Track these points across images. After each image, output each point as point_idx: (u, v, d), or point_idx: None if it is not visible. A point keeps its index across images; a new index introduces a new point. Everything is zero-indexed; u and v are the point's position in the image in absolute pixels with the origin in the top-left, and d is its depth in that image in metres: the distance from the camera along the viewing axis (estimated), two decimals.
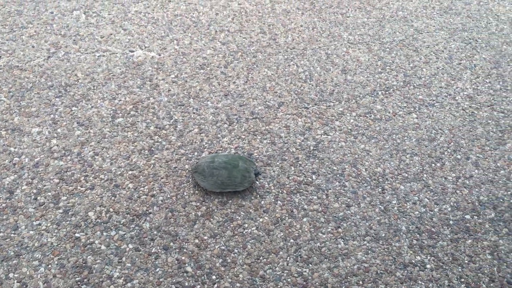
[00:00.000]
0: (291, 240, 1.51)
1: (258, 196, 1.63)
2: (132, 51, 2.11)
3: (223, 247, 1.47)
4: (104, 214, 1.53)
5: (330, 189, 1.66)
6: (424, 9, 2.59)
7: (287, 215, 1.58)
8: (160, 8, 2.35)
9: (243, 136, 1.81)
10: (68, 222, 1.48)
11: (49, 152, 1.69)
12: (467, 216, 1.65)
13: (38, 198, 1.55)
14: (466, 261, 1.51)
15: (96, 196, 1.57)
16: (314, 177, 1.70)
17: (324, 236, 1.53)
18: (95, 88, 1.94)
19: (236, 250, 1.46)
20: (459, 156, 1.84)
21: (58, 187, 1.59)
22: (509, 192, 1.74)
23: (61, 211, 1.52)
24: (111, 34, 2.18)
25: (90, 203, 1.55)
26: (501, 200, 1.71)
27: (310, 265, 1.45)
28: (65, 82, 1.95)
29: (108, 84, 1.96)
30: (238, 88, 2.00)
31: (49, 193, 1.57)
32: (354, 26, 2.41)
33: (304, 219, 1.57)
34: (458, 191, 1.72)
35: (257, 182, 1.66)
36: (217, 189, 1.59)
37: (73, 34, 2.16)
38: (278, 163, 1.73)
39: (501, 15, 2.61)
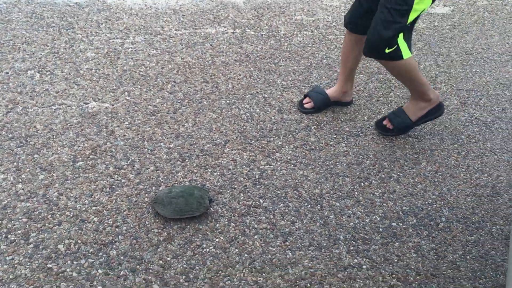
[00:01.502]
0: (245, 255, 1.70)
1: (213, 220, 1.82)
2: (86, 103, 2.30)
3: (185, 265, 1.64)
4: (73, 246, 1.66)
5: (276, 210, 1.89)
6: None
7: (240, 234, 1.78)
8: (109, 65, 2.57)
9: (195, 171, 2.02)
10: (39, 255, 1.61)
11: (15, 196, 1.81)
12: (394, 224, 1.92)
13: (9, 236, 1.67)
14: (396, 260, 1.76)
15: (64, 231, 1.71)
16: (261, 200, 1.93)
17: (274, 249, 1.74)
18: (54, 137, 2.10)
19: (197, 267, 1.64)
20: (383, 176, 2.14)
21: (27, 225, 1.71)
22: (426, 202, 2.04)
23: (32, 246, 1.64)
24: (66, 89, 2.37)
25: (59, 237, 1.69)
26: (421, 208, 2.01)
27: (264, 274, 1.64)
28: (25, 133, 2.09)
29: (67, 133, 2.13)
30: (187, 130, 2.23)
31: (19, 231, 1.69)
32: (286, 73, 2.74)
33: (256, 236, 1.78)
34: (384, 204, 2.00)
35: (211, 208, 1.86)
36: (176, 215, 1.78)
37: (29, 91, 2.33)
38: (228, 191, 1.95)
39: None
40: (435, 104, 2.29)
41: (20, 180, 1.88)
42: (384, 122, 2.35)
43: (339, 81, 2.46)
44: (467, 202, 2.07)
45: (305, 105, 2.43)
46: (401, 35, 1.99)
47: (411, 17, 1.96)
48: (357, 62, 2.38)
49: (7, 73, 2.41)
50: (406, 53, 2.03)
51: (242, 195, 1.94)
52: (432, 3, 2.02)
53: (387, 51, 1.99)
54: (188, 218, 1.80)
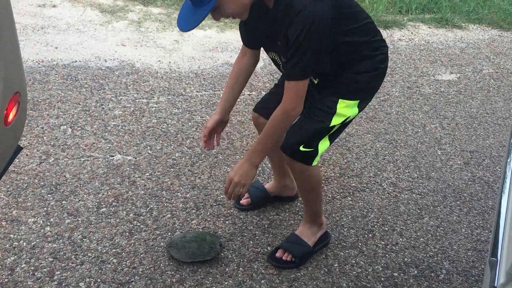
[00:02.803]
0: None
1: (223, 264, 1.95)
2: (112, 156, 2.51)
3: None
4: (93, 284, 1.80)
5: None
6: None
7: (248, 278, 1.90)
8: (135, 122, 2.81)
9: (209, 219, 2.17)
10: None
11: (43, 237, 1.98)
12: (395, 274, 2.02)
13: (36, 273, 1.82)
14: None
15: (86, 270, 1.86)
16: (269, 248, 2.05)
17: None
18: (81, 185, 2.29)
19: None
20: (386, 228, 2.25)
21: (53, 264, 1.87)
22: (427, 255, 2.14)
23: (56, 283, 1.79)
24: (94, 143, 2.59)
25: (81, 276, 1.83)
26: (422, 260, 2.10)
27: None
28: (55, 182, 2.29)
29: (93, 182, 2.32)
30: (203, 182, 2.40)
31: (45, 269, 1.84)
32: None
33: (262, 281, 1.90)
34: (387, 255, 2.10)
35: (222, 254, 1.99)
36: (189, 259, 1.91)
37: (61, 144, 2.56)
38: (239, 238, 2.08)
39: (415, 121, 3.21)
40: (324, 230, 2.08)
41: (48, 223, 2.06)
42: (278, 254, 1.98)
43: (274, 175, 2.28)
44: (467, 256, 2.16)
45: (241, 201, 2.24)
46: (324, 140, 1.82)
47: (334, 121, 1.80)
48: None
49: (42, 128, 2.66)
50: (316, 161, 1.84)
51: (251, 242, 2.07)
52: (358, 112, 1.87)
53: (301, 149, 1.78)
54: (200, 262, 1.93)
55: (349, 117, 1.83)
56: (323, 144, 1.82)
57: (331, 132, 1.83)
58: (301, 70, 1.64)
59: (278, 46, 1.74)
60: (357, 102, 1.83)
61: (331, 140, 1.86)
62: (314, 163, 1.83)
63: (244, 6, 1.62)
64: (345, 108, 1.80)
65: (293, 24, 1.58)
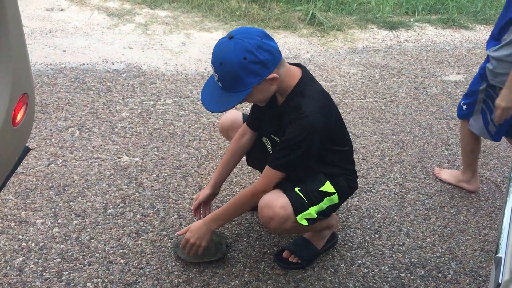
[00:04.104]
0: None
1: (230, 265, 1.96)
2: (119, 157, 2.53)
3: None
4: (100, 284, 1.82)
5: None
6: (359, 119, 3.15)
7: (254, 279, 1.90)
8: (142, 124, 2.82)
9: None
10: None
11: (51, 238, 2.00)
12: (402, 274, 2.01)
13: (44, 274, 1.84)
14: None
15: (93, 271, 1.87)
16: (275, 248, 2.06)
17: None
18: (89, 187, 2.31)
19: None
20: (393, 229, 2.25)
21: (61, 265, 1.88)
22: (434, 255, 2.13)
23: (63, 283, 1.80)
24: (101, 145, 2.61)
25: (88, 276, 1.84)
26: (429, 261, 2.09)
27: None
28: (63, 183, 2.31)
29: (100, 183, 2.33)
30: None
31: (53, 270, 1.86)
32: None
33: (269, 281, 1.90)
34: (393, 255, 2.10)
35: (228, 254, 2.00)
36: (196, 259, 1.92)
37: (69, 146, 2.58)
38: (245, 239, 2.09)
39: (422, 122, 3.20)
40: (333, 230, 2.08)
41: (56, 224, 2.07)
42: (285, 255, 2.00)
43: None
44: (475, 257, 2.15)
45: None
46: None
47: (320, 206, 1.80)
48: None
49: (51, 130, 2.68)
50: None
51: (257, 243, 2.08)
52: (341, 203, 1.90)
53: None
54: (207, 262, 1.94)
55: (336, 204, 1.86)
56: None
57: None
58: (285, 164, 1.73)
59: (273, 138, 1.87)
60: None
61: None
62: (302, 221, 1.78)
63: (268, 96, 1.73)
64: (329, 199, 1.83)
65: (296, 124, 1.68)
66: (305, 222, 1.76)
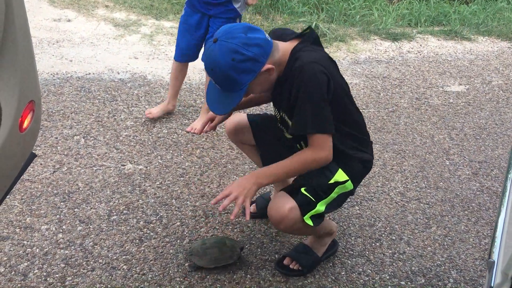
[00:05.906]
0: None
1: (231, 271, 1.98)
2: (123, 165, 2.56)
3: None
4: None
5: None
6: None
7: (255, 285, 1.92)
8: (146, 132, 2.86)
9: (217, 227, 2.20)
10: None
11: (56, 244, 2.03)
12: (402, 282, 2.03)
13: (48, 279, 1.86)
14: None
15: (96, 276, 1.90)
16: (277, 256, 2.08)
17: None
18: (93, 194, 2.34)
19: None
20: (394, 237, 2.27)
21: (64, 270, 1.91)
22: (435, 264, 2.14)
23: None
24: (106, 153, 2.64)
25: (91, 282, 1.87)
26: (429, 269, 2.11)
27: None
28: (68, 190, 2.34)
29: (104, 190, 2.37)
30: (212, 190, 2.43)
31: (57, 275, 1.88)
32: None
33: None
34: (394, 264, 2.11)
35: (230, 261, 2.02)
36: (212, 264, 1.94)
37: (74, 153, 2.61)
38: (247, 246, 2.11)
39: (424, 132, 3.22)
40: (333, 236, 2.09)
41: (61, 230, 2.10)
42: (286, 262, 2.01)
43: (274, 186, 2.26)
44: (475, 266, 2.16)
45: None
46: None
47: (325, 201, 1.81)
48: None
49: (56, 138, 2.72)
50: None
51: (259, 250, 2.10)
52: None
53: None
54: (209, 269, 1.96)
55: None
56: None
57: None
58: (315, 121, 1.69)
59: (284, 106, 1.83)
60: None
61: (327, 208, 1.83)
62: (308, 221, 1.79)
63: (270, 85, 1.75)
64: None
65: (297, 82, 1.66)
66: (310, 222, 1.77)
